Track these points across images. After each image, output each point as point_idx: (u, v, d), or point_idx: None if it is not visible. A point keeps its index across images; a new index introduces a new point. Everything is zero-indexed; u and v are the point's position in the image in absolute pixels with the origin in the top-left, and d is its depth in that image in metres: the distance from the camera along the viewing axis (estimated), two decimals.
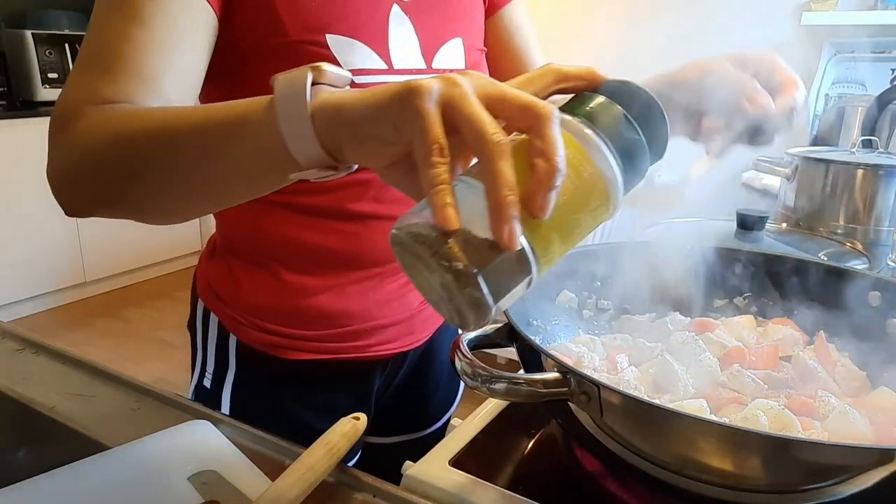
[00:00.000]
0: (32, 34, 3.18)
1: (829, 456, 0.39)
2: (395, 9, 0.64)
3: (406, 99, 0.34)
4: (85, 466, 0.52)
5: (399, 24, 0.65)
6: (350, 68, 0.61)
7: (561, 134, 0.34)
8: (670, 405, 0.50)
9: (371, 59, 0.62)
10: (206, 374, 0.75)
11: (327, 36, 0.60)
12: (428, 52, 0.67)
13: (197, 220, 3.92)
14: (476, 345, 0.51)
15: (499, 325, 0.53)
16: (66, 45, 3.31)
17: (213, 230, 0.77)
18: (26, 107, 3.19)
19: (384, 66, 0.63)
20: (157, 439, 0.55)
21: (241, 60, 0.60)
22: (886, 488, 0.38)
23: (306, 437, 0.54)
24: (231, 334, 0.73)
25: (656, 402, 0.48)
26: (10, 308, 3.15)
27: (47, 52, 3.23)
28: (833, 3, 2.06)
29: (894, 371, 0.57)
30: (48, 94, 3.26)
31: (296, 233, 0.68)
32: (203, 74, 0.58)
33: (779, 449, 0.39)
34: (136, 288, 3.65)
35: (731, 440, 0.40)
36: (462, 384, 0.90)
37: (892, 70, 2.01)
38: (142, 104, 0.51)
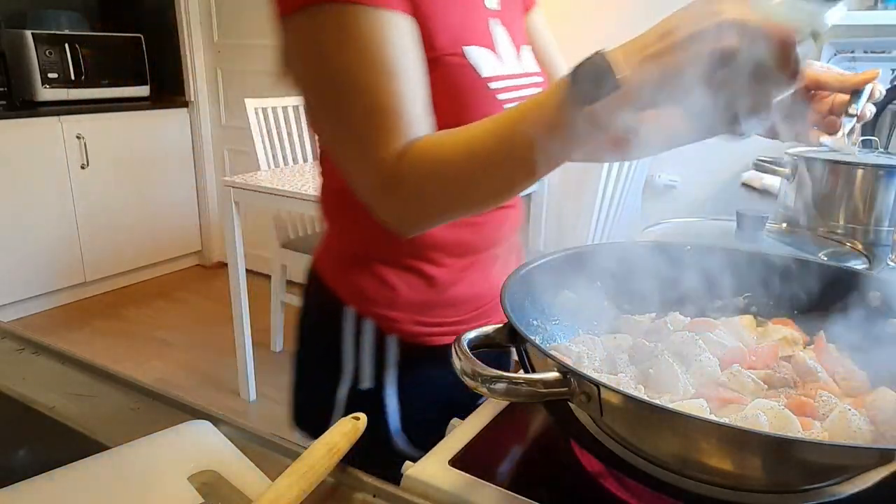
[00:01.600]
0: (32, 34, 3.19)
1: (829, 456, 0.39)
2: (492, 21, 0.75)
3: (726, 31, 0.45)
4: (85, 466, 0.52)
5: (498, 32, 0.75)
6: (486, 75, 0.70)
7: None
8: (670, 405, 0.50)
9: (495, 65, 0.72)
10: (363, 377, 0.81)
11: (463, 47, 0.69)
12: (518, 57, 0.78)
13: (196, 220, 3.92)
14: (476, 345, 0.51)
15: (499, 326, 0.53)
16: (66, 45, 3.31)
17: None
18: (26, 107, 3.19)
19: (504, 72, 0.73)
20: (157, 439, 0.55)
21: None
22: (886, 488, 0.38)
23: (461, 408, 0.63)
24: (390, 334, 0.80)
25: (656, 402, 0.48)
26: (10, 308, 3.15)
27: (47, 52, 3.23)
28: None
29: (894, 371, 0.57)
30: (48, 94, 3.26)
31: (440, 233, 0.76)
32: None
33: (779, 449, 0.39)
34: (136, 288, 3.65)
35: (731, 440, 0.40)
36: None
37: (893, 70, 2.01)
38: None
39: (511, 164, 0.58)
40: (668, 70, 0.48)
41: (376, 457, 0.57)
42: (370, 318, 0.79)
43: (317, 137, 0.77)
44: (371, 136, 0.61)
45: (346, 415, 0.71)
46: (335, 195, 0.80)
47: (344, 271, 0.81)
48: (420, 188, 0.61)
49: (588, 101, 0.50)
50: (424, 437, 0.71)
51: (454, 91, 0.68)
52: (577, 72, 0.51)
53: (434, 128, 0.65)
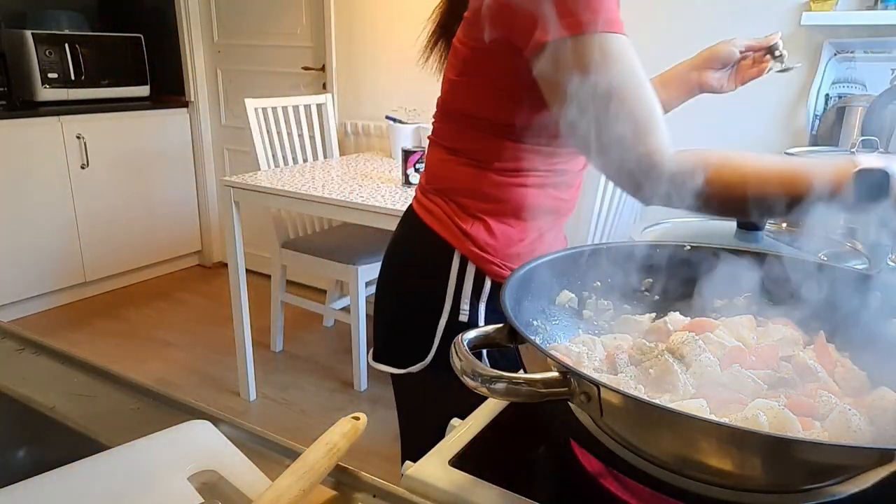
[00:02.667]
0: (32, 34, 3.18)
1: (829, 456, 0.39)
2: None
3: None
4: (85, 466, 0.52)
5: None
6: None
7: None
8: (670, 405, 0.50)
9: None
10: (462, 311, 0.97)
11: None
12: None
13: (196, 220, 3.92)
14: (476, 345, 0.51)
15: (499, 326, 0.53)
16: (66, 45, 3.31)
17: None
18: (26, 107, 3.19)
19: None
20: (157, 439, 0.55)
21: None
22: (886, 488, 0.38)
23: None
24: (487, 277, 0.96)
25: (656, 402, 0.48)
26: (10, 308, 3.15)
27: (47, 52, 3.23)
28: (833, 3, 2.05)
29: (894, 371, 0.57)
30: (48, 94, 3.26)
31: (537, 200, 0.94)
32: None
33: (779, 449, 0.39)
34: (136, 288, 3.65)
35: (731, 440, 0.40)
36: None
37: (892, 70, 2.01)
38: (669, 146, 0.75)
39: (774, 203, 0.68)
40: None
41: None
42: (473, 260, 0.95)
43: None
44: (640, 130, 0.74)
45: (442, 343, 0.97)
46: (461, 173, 0.95)
47: (455, 223, 0.97)
48: (679, 183, 0.72)
49: (858, 205, 0.62)
50: (504, 361, 0.93)
51: None
52: (860, 177, 0.62)
53: None
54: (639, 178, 0.74)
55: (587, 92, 0.74)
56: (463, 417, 0.64)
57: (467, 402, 0.66)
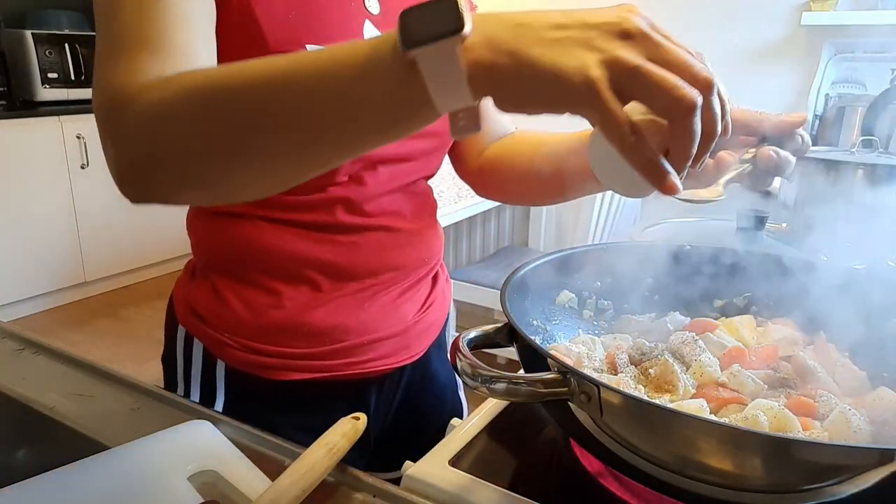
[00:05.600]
0: (32, 34, 3.19)
1: (829, 456, 0.39)
2: (367, 24, 0.65)
3: (584, 94, 0.35)
4: (85, 466, 0.52)
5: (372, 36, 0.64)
6: None
7: None
8: (670, 405, 0.50)
9: None
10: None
11: (307, 45, 0.60)
12: None
13: None
14: (476, 345, 0.51)
15: (499, 325, 0.53)
16: (66, 45, 3.31)
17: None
18: (26, 107, 3.19)
19: None
20: (157, 439, 0.55)
21: None
22: (886, 488, 0.38)
23: None
24: (218, 360, 0.70)
25: (656, 402, 0.48)
26: (10, 308, 3.15)
27: (47, 52, 3.23)
28: (833, 3, 2.06)
29: (894, 371, 0.57)
30: (48, 94, 3.26)
31: (290, 245, 0.66)
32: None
33: (779, 449, 0.39)
34: (136, 288, 3.65)
35: (731, 440, 0.40)
36: (465, 405, 0.89)
37: (892, 70, 2.01)
38: None
39: (284, 115, 0.40)
40: (527, 62, 0.36)
41: None
42: (199, 338, 0.70)
43: None
44: (105, 54, 0.49)
45: None
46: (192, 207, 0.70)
47: (183, 285, 0.73)
48: (172, 116, 0.44)
49: (414, 40, 0.36)
50: None
51: None
52: (413, 8, 0.37)
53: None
54: (105, 125, 0.48)
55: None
56: None
57: None
